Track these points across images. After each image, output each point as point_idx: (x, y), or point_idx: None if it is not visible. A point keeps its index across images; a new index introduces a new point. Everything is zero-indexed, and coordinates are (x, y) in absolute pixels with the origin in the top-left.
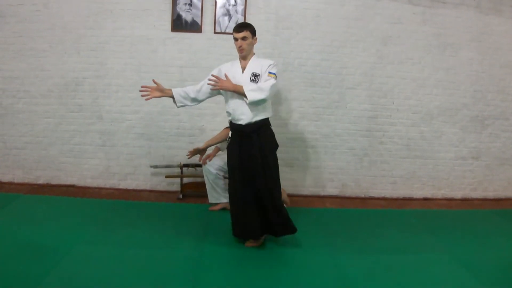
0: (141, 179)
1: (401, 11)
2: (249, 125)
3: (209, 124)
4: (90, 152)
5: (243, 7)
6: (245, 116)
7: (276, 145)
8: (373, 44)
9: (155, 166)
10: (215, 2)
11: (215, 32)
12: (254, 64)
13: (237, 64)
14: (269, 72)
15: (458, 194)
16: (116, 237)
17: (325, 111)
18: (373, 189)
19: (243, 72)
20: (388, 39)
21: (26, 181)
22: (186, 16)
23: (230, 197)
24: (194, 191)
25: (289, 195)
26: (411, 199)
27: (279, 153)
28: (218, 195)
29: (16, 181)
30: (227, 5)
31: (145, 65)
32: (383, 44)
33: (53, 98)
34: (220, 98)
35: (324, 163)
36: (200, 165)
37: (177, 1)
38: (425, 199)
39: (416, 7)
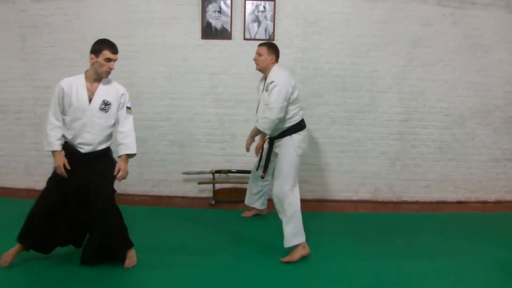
0: (174, 185)
1: (430, 13)
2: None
3: (240, 130)
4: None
5: (272, 13)
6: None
7: None
8: (403, 46)
9: (187, 173)
10: (244, 8)
11: (244, 39)
12: (106, 89)
13: (81, 82)
14: (127, 108)
15: (492, 196)
16: (151, 243)
17: (356, 115)
18: (406, 193)
19: (90, 99)
20: (418, 42)
21: None
22: (216, 23)
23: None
24: (226, 197)
25: (322, 200)
26: (444, 203)
27: (312, 158)
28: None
29: None
30: (256, 12)
31: (176, 72)
32: (413, 47)
33: None
34: (252, 104)
35: (356, 168)
36: (231, 171)
37: (207, 9)
38: (459, 202)
39: (445, 9)
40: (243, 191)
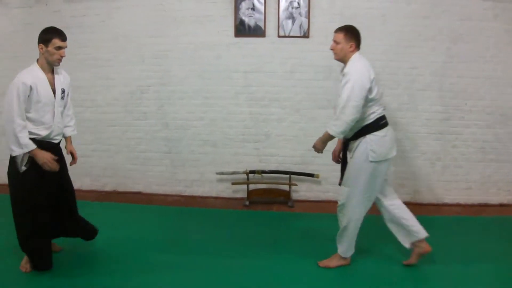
0: (207, 185)
1: (471, 7)
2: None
3: (274, 129)
4: (156, 159)
5: (306, 9)
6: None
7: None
8: (443, 42)
9: (221, 173)
10: (278, 5)
11: (278, 36)
12: (59, 78)
13: (41, 75)
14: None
15: None
16: (184, 245)
17: (394, 114)
18: (446, 195)
19: (53, 88)
20: (458, 37)
21: (93, 188)
22: (249, 20)
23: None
24: (260, 197)
25: None
26: (486, 205)
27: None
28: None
29: (84, 188)
30: (290, 8)
31: (209, 71)
32: (453, 43)
33: (119, 107)
34: (287, 102)
35: (395, 169)
36: (265, 172)
37: (240, 6)
38: (501, 205)
39: (486, 2)
40: (277, 192)
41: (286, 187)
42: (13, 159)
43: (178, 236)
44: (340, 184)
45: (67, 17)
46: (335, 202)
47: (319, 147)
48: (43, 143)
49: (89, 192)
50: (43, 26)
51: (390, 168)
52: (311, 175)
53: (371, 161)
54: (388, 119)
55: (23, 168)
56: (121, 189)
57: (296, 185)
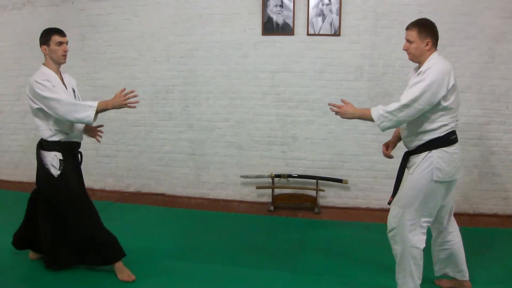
0: (231, 189)
1: None
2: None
3: (302, 132)
4: (180, 161)
5: (338, 6)
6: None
7: None
8: (484, 41)
9: (246, 176)
10: (308, 2)
11: (308, 34)
12: (67, 77)
13: (53, 74)
14: None
15: None
16: (205, 252)
17: None
18: (483, 204)
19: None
20: (501, 36)
21: (117, 188)
22: (277, 18)
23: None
24: (286, 203)
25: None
26: None
27: (379, 163)
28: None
29: (107, 188)
30: (320, 5)
31: (236, 71)
32: (495, 42)
33: (144, 106)
34: (315, 104)
35: None
36: (292, 176)
37: (268, 3)
38: None
39: None
40: (303, 198)
41: (313, 193)
42: (42, 169)
43: (199, 241)
44: (389, 203)
45: (93, 16)
46: (364, 209)
47: (346, 114)
48: (66, 144)
49: (112, 193)
50: (69, 24)
51: (453, 193)
52: (340, 180)
53: (435, 180)
54: None
55: (58, 172)
56: (144, 190)
57: (323, 190)
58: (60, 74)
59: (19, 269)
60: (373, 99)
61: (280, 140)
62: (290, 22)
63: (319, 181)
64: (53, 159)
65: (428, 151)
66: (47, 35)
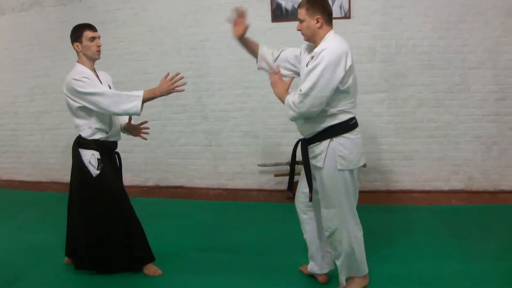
0: (249, 178)
1: None
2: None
3: None
4: (197, 153)
5: None
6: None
7: None
8: (497, 16)
9: (263, 165)
10: None
11: None
12: (102, 74)
13: (89, 72)
14: None
15: None
16: (227, 242)
17: (446, 96)
18: (504, 181)
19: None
20: None
21: (135, 183)
22: (286, 4)
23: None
24: None
25: (409, 191)
26: None
27: (397, 145)
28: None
29: (126, 183)
30: None
31: (247, 60)
32: (508, 15)
33: (157, 100)
34: None
35: (448, 154)
36: None
37: None
38: None
39: None
40: None
41: None
42: (79, 168)
43: (220, 232)
44: (311, 200)
45: (102, 12)
46: (384, 192)
47: (274, 89)
48: (105, 144)
49: (131, 188)
50: (78, 22)
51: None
52: None
53: (339, 170)
54: (439, 101)
55: (96, 171)
56: (163, 183)
57: None
58: (95, 71)
59: (41, 269)
60: (387, 80)
61: (296, 126)
62: None
63: None
64: (91, 158)
65: (329, 139)
66: (79, 31)
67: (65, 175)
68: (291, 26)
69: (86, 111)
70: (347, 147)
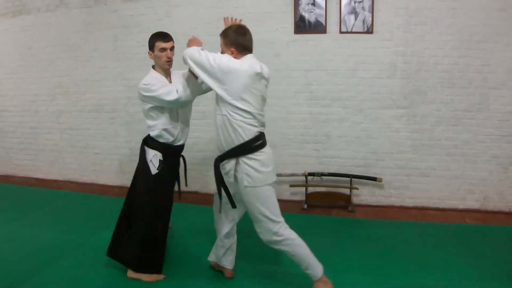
0: None
1: None
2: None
3: (335, 130)
4: (213, 159)
5: (370, 3)
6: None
7: None
8: None
9: (279, 175)
10: (340, 0)
11: (340, 32)
12: (176, 75)
13: (162, 78)
14: None
15: None
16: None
17: (465, 115)
18: None
19: None
20: None
21: None
22: (310, 16)
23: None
24: (319, 201)
25: (424, 208)
26: None
27: (414, 161)
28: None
29: None
30: (352, 2)
31: None
32: None
33: None
34: (349, 102)
35: (464, 173)
36: (325, 174)
37: (300, 2)
38: None
39: None
40: (337, 196)
41: (346, 191)
42: (142, 164)
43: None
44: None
45: (126, 17)
46: (398, 207)
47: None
48: (169, 147)
49: None
50: (102, 26)
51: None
52: (373, 178)
53: (246, 186)
54: (458, 119)
55: (155, 171)
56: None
57: (357, 189)
58: (169, 77)
59: (54, 268)
60: (406, 96)
61: (313, 138)
62: (322, 20)
63: (353, 179)
64: (153, 157)
65: (234, 158)
66: (152, 40)
67: (81, 175)
68: (314, 38)
69: (156, 112)
70: (253, 165)
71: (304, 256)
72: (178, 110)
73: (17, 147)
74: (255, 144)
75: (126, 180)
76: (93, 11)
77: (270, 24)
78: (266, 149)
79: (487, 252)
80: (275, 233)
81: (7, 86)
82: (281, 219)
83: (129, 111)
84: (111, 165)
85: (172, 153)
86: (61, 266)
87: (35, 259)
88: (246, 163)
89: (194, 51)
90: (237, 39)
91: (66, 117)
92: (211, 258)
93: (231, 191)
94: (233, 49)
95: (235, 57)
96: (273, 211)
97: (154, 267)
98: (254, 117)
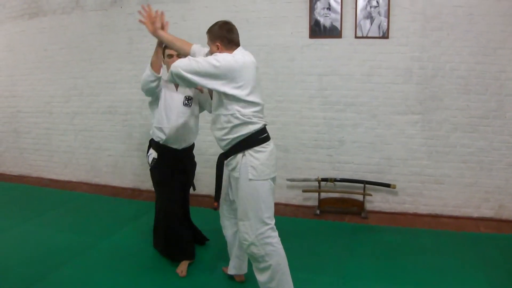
0: (277, 191)
1: None
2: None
3: (349, 135)
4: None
5: (386, 8)
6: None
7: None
8: None
9: (292, 180)
10: (356, 4)
11: (356, 37)
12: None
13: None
14: None
15: None
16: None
17: (481, 122)
18: None
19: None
20: None
21: None
22: (325, 21)
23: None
24: (332, 207)
25: (438, 215)
26: None
27: (428, 168)
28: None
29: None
30: (368, 7)
31: (282, 74)
32: None
33: None
34: (363, 107)
35: (479, 181)
36: (338, 180)
37: (315, 6)
38: None
39: None
40: (350, 202)
41: (360, 197)
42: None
43: None
44: (215, 209)
45: None
46: (412, 214)
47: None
48: (162, 147)
49: None
50: (118, 28)
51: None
52: (387, 185)
53: (251, 179)
54: (474, 126)
55: (149, 167)
56: (190, 191)
57: (370, 195)
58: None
59: (66, 268)
60: (422, 102)
61: (327, 143)
62: (337, 25)
63: (366, 185)
64: (150, 155)
65: (241, 152)
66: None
67: (94, 176)
68: (329, 42)
69: (151, 109)
70: (258, 157)
71: (282, 273)
72: (167, 111)
73: (31, 147)
74: (261, 136)
75: (139, 182)
76: (109, 14)
77: (285, 28)
78: (271, 142)
79: (501, 261)
80: (261, 234)
81: (22, 88)
82: (272, 222)
83: (143, 113)
84: (124, 167)
85: (169, 155)
86: (73, 267)
87: (47, 260)
88: (252, 156)
89: (187, 62)
90: (222, 33)
91: (80, 118)
92: (231, 272)
93: (231, 197)
94: (218, 43)
95: (221, 51)
96: (267, 210)
97: (182, 254)
98: (262, 109)
